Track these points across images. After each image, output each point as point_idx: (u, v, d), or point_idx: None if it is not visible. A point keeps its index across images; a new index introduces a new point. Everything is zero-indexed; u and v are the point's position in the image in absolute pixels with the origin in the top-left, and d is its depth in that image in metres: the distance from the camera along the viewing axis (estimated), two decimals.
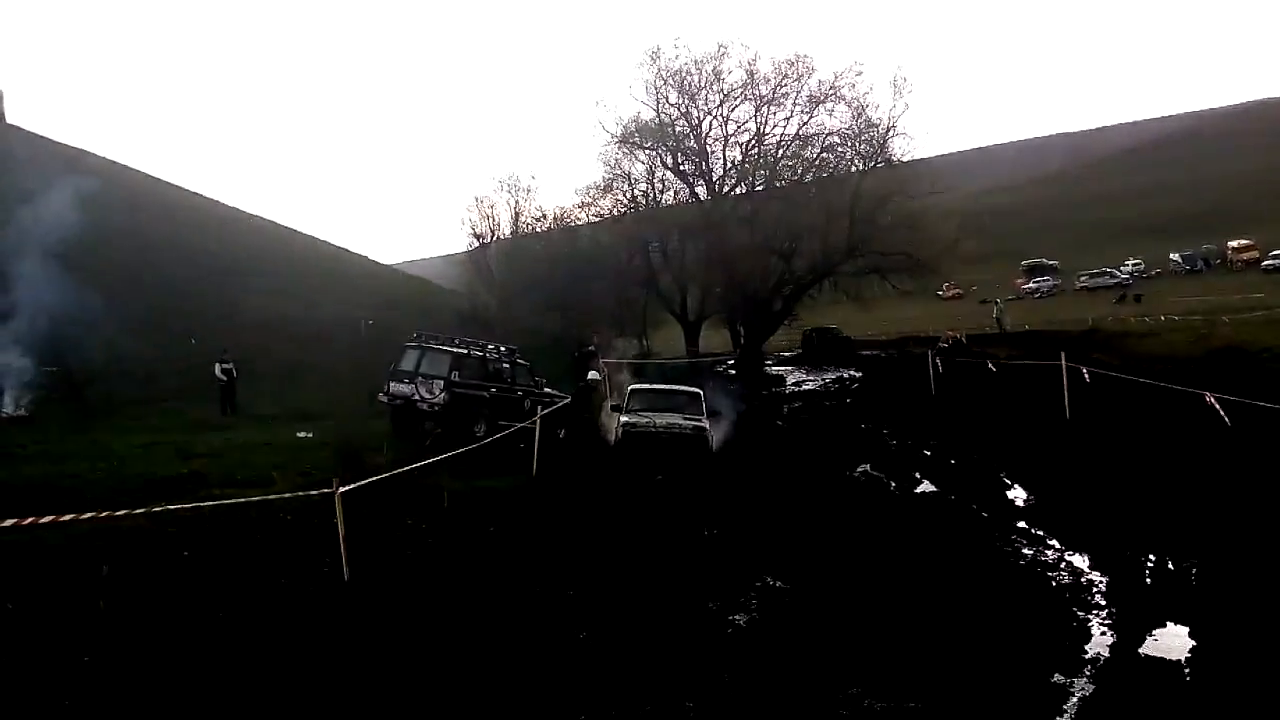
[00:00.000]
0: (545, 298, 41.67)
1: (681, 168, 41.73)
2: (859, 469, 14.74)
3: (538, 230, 49.43)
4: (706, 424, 16.42)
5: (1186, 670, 6.03)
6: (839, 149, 39.61)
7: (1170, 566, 8.34)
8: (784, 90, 39.07)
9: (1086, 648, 6.57)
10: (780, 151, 40.32)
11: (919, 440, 17.28)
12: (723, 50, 39.76)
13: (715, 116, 40.45)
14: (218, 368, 21.29)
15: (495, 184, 69.55)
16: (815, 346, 40.82)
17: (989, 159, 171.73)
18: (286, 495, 8.89)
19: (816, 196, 38.18)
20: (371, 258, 65.01)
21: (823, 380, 31.98)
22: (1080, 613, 7.33)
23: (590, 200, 44.55)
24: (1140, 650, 6.49)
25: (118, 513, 7.30)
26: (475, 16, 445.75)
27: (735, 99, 39.92)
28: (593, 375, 20.27)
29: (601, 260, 41.06)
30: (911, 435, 17.92)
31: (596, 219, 44.80)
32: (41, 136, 43.67)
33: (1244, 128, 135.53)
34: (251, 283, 33.54)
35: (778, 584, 8.34)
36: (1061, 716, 5.47)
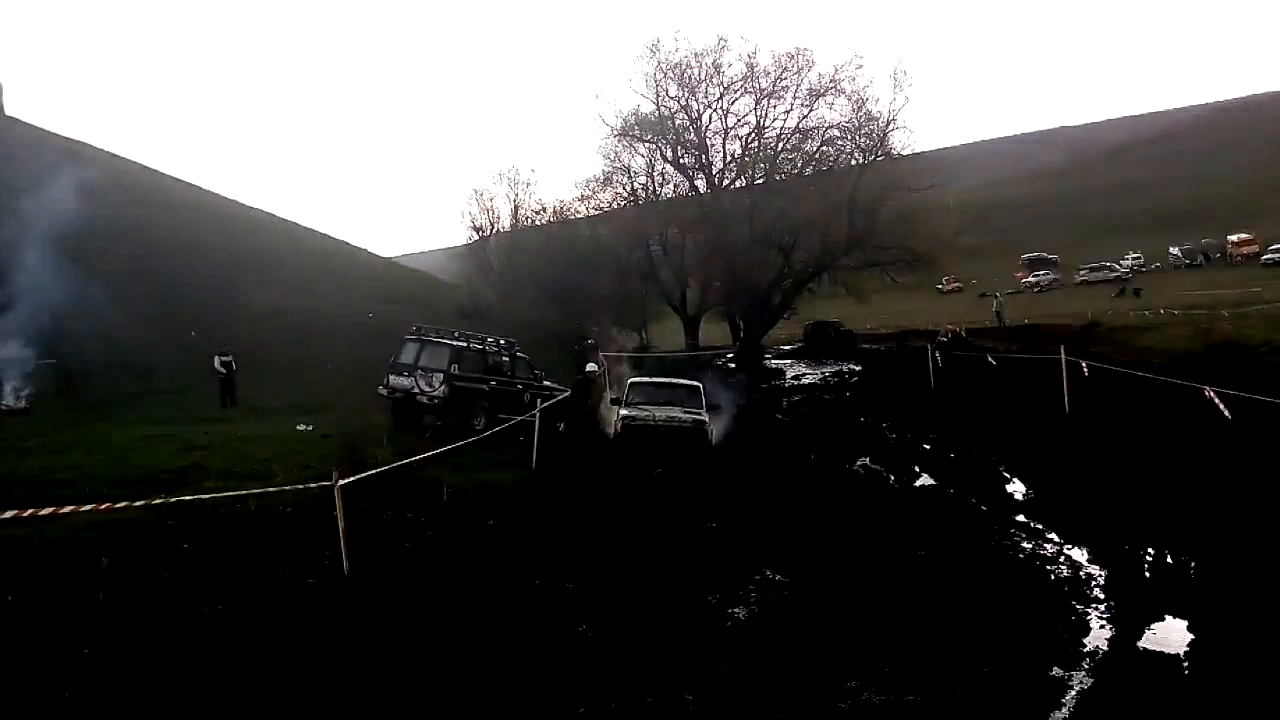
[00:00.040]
0: (545, 291, 41.64)
1: (681, 161, 41.65)
2: (858, 462, 14.73)
3: (537, 224, 49.44)
4: (706, 417, 16.40)
5: (1185, 664, 6.04)
6: (839, 142, 39.64)
7: (1169, 560, 8.35)
8: (784, 83, 39.06)
9: (1085, 641, 6.58)
10: (780, 145, 40.28)
11: (918, 434, 17.28)
12: (723, 43, 39.73)
13: (715, 110, 40.42)
14: (217, 360, 21.25)
15: (495, 177, 69.69)
16: (817, 340, 40.84)
17: (990, 153, 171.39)
18: (286, 488, 8.88)
19: (816, 190, 38.16)
20: (372, 250, 64.86)
21: (822, 374, 32.01)
22: (1079, 606, 7.34)
23: (590, 193, 44.57)
24: (1139, 644, 6.51)
25: (117, 505, 7.30)
26: (475, 9, 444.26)
27: (735, 92, 39.89)
28: (591, 368, 20.25)
29: (601, 253, 41.06)
30: (911, 429, 17.91)
31: (596, 212, 44.74)
32: (42, 129, 43.52)
33: (1244, 121, 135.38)
34: (252, 276, 33.45)
35: (777, 577, 8.35)
36: (1060, 709, 5.48)
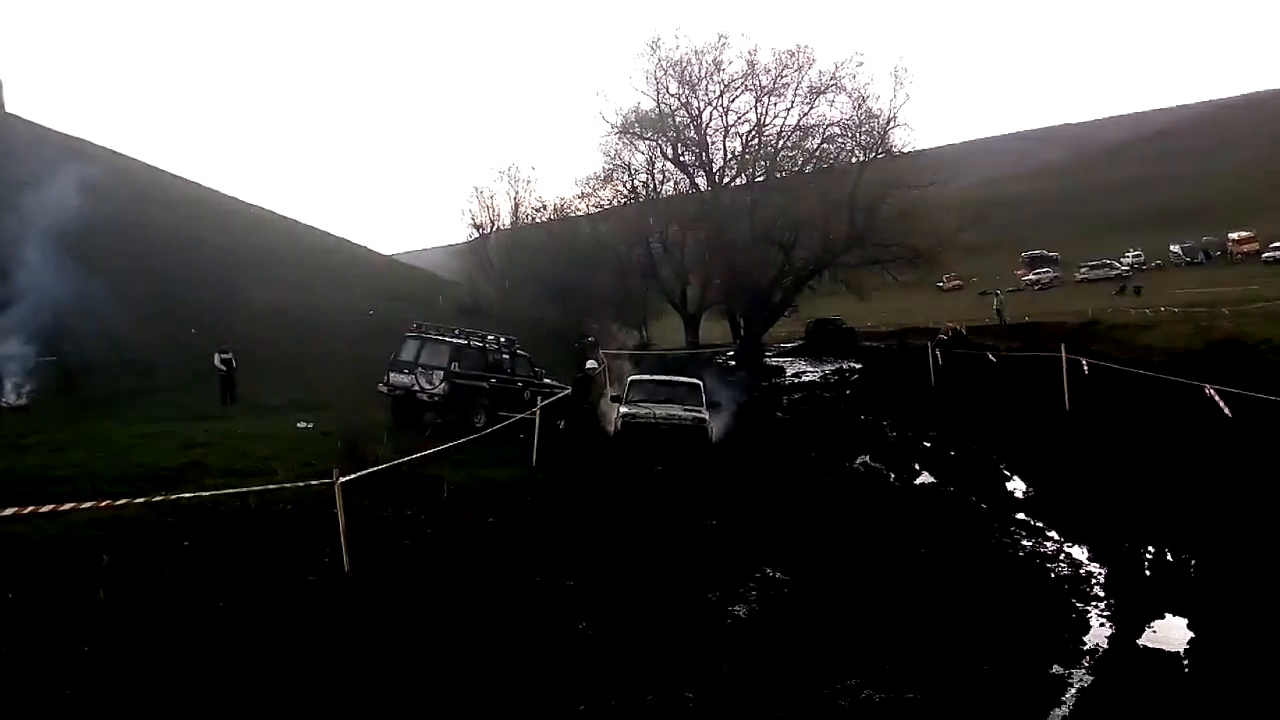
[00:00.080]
0: (545, 288, 41.62)
1: (682, 158, 41.64)
2: (858, 460, 14.73)
3: (538, 221, 49.37)
4: (706, 415, 16.41)
5: (1185, 661, 6.05)
6: (839, 140, 39.63)
7: (1169, 558, 8.35)
8: (784, 81, 39.06)
9: (1085, 639, 6.58)
10: (780, 142, 40.28)
11: (918, 431, 17.27)
12: (723, 40, 39.73)
13: (715, 107, 40.42)
14: (217, 358, 21.24)
15: (495, 174, 69.57)
16: (818, 337, 40.83)
17: (991, 150, 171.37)
18: (287, 485, 8.88)
19: (817, 187, 38.17)
20: (372, 248, 64.85)
21: (823, 372, 31.99)
22: (1079, 604, 7.35)
23: (590, 191, 44.55)
24: (1139, 641, 6.51)
25: (118, 502, 7.29)
26: (476, 7, 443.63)
27: (736, 89, 39.91)
28: (591, 365, 20.24)
29: (601, 251, 41.04)
30: (911, 426, 17.91)
31: (596, 210, 44.71)
32: (42, 126, 43.51)
33: (1245, 119, 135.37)
34: (252, 273, 33.43)
35: (777, 575, 8.36)
36: (1060, 707, 5.49)
